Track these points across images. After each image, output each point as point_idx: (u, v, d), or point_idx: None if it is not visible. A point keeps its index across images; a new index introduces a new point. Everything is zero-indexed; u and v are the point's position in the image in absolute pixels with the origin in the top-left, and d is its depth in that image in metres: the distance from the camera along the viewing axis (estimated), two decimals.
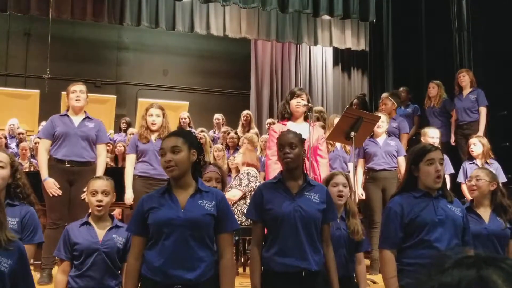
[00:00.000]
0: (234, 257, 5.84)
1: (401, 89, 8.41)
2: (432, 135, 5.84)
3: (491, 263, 0.86)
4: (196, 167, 2.69)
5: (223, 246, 2.65)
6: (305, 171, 3.16)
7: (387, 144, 5.98)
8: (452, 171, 5.96)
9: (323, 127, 5.95)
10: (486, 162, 5.75)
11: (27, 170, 7.42)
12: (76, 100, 5.08)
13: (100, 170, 5.04)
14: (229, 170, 7.06)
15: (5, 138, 8.54)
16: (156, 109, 5.34)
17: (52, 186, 4.86)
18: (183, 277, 2.50)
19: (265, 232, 3.07)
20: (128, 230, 2.80)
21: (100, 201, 3.27)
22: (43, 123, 8.86)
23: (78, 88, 5.13)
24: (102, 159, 5.17)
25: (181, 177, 2.62)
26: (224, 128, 8.80)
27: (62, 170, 4.94)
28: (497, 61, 7.80)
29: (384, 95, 8.05)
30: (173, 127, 8.04)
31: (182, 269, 2.50)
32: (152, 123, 5.27)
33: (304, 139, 3.15)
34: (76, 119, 5.10)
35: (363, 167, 6.05)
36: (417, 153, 3.07)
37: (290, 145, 2.99)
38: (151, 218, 2.57)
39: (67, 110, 5.17)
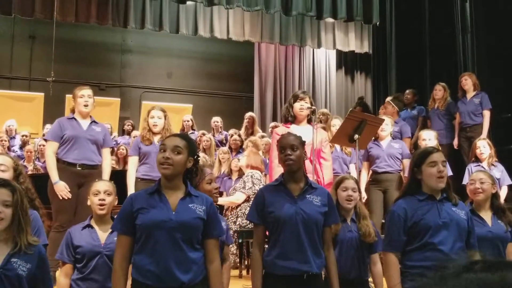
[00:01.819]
0: (238, 259, 5.85)
1: (407, 91, 8.39)
2: (425, 137, 5.81)
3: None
4: (187, 174, 2.68)
5: (212, 251, 2.64)
6: (305, 173, 3.16)
7: (390, 146, 5.98)
8: (451, 173, 5.96)
9: (324, 128, 5.96)
10: (492, 164, 5.74)
11: (31, 173, 7.44)
12: (85, 106, 5.10)
13: (106, 173, 5.08)
14: (231, 172, 7.06)
15: (8, 140, 8.56)
16: (157, 111, 5.37)
17: (63, 189, 4.87)
18: (178, 280, 2.49)
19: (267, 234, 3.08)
20: (114, 229, 2.75)
21: (103, 200, 3.28)
22: (48, 125, 8.91)
23: (86, 93, 5.14)
24: (108, 162, 5.21)
25: (172, 179, 2.61)
26: (231, 131, 8.80)
27: (72, 173, 4.97)
28: (500, 64, 7.80)
29: (388, 99, 8.06)
30: (176, 129, 8.05)
31: (176, 272, 2.49)
32: (154, 125, 5.29)
33: (305, 141, 3.16)
34: (84, 123, 5.12)
35: (367, 169, 6.06)
36: (419, 155, 3.09)
37: (291, 147, 3.00)
38: (140, 219, 2.54)
39: (73, 113, 5.19)
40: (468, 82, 7.22)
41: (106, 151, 5.22)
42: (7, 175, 3.11)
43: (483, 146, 5.82)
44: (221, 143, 8.76)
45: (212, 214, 2.66)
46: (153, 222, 2.52)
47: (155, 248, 2.50)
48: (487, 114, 7.02)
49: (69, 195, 4.88)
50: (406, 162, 5.88)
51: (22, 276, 2.44)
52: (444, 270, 0.89)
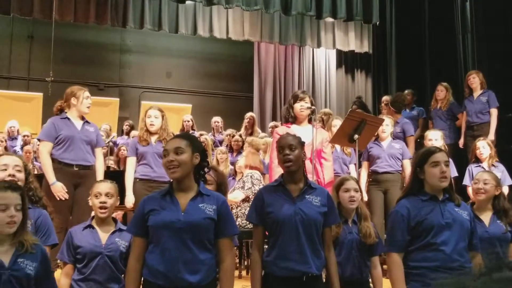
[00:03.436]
0: (237, 260, 5.82)
1: (406, 91, 8.37)
2: (431, 137, 5.77)
3: None
4: (198, 171, 2.68)
5: (223, 251, 2.64)
6: (305, 174, 3.13)
7: (391, 147, 5.95)
8: (456, 174, 5.92)
9: (322, 127, 5.94)
10: (492, 165, 5.71)
11: None
12: (88, 108, 5.11)
13: (100, 173, 5.06)
14: (235, 173, 7.03)
15: (5, 141, 8.53)
16: (154, 110, 5.35)
17: (60, 190, 4.84)
18: (185, 281, 2.49)
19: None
20: (128, 231, 2.81)
21: (104, 202, 3.27)
22: None
23: (88, 95, 5.15)
24: (101, 162, 5.19)
25: (183, 180, 2.62)
26: (228, 131, 8.78)
27: (69, 174, 4.93)
28: (501, 63, 7.78)
29: (385, 98, 8.03)
30: (176, 129, 8.03)
31: (184, 273, 2.49)
32: (151, 125, 5.27)
33: (304, 142, 3.13)
34: (78, 123, 5.09)
35: (367, 169, 6.03)
36: (421, 155, 3.07)
37: (289, 147, 2.98)
38: (151, 220, 2.57)
39: (66, 112, 5.12)
40: (476, 80, 7.16)
41: (98, 151, 5.21)
42: (22, 175, 3.14)
43: (483, 147, 5.78)
44: (221, 144, 8.74)
45: (224, 213, 2.65)
46: (162, 222, 2.54)
47: (164, 248, 2.52)
48: (494, 112, 6.97)
49: (67, 196, 4.85)
50: (406, 163, 5.85)
51: (30, 276, 2.49)
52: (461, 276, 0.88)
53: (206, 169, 2.74)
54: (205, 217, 2.57)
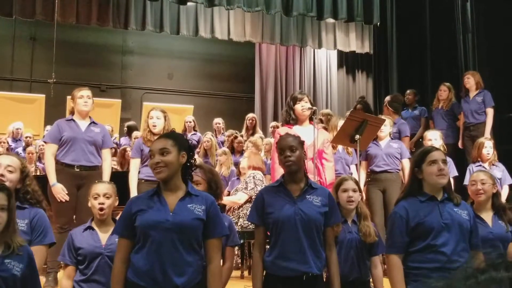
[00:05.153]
0: (239, 260, 5.84)
1: (408, 91, 8.38)
2: (430, 137, 5.76)
3: None
4: (186, 170, 2.65)
5: (211, 252, 2.60)
6: (306, 173, 3.14)
7: (389, 146, 5.95)
8: (456, 173, 5.93)
9: (325, 129, 5.94)
10: (493, 164, 5.72)
11: (33, 174, 7.42)
12: (84, 105, 5.09)
13: (106, 175, 5.06)
14: (239, 173, 7.05)
15: (7, 142, 8.56)
16: (156, 111, 5.37)
17: (60, 192, 4.86)
18: (170, 283, 2.46)
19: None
20: (114, 232, 2.74)
21: (102, 203, 3.28)
22: (48, 127, 8.91)
23: (85, 93, 5.15)
24: (108, 163, 5.19)
25: (170, 180, 2.59)
26: (228, 132, 8.79)
27: (70, 175, 4.95)
28: (501, 63, 7.79)
29: (386, 99, 8.05)
30: (178, 131, 8.04)
31: (169, 274, 2.46)
32: (153, 125, 5.29)
33: (303, 141, 3.14)
34: (83, 124, 5.11)
35: (366, 169, 6.03)
36: (418, 155, 3.08)
37: (290, 148, 2.99)
38: (138, 220, 2.53)
39: (72, 115, 5.18)
40: (470, 80, 7.19)
41: (106, 152, 5.20)
42: (14, 176, 3.11)
43: (490, 147, 5.79)
44: (223, 144, 8.76)
45: (213, 213, 2.62)
46: (150, 222, 2.50)
47: (151, 249, 2.49)
48: (490, 112, 6.98)
49: (67, 197, 4.87)
50: (405, 162, 5.86)
51: (17, 276, 2.47)
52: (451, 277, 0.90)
53: (194, 168, 2.71)
54: (194, 217, 2.55)
